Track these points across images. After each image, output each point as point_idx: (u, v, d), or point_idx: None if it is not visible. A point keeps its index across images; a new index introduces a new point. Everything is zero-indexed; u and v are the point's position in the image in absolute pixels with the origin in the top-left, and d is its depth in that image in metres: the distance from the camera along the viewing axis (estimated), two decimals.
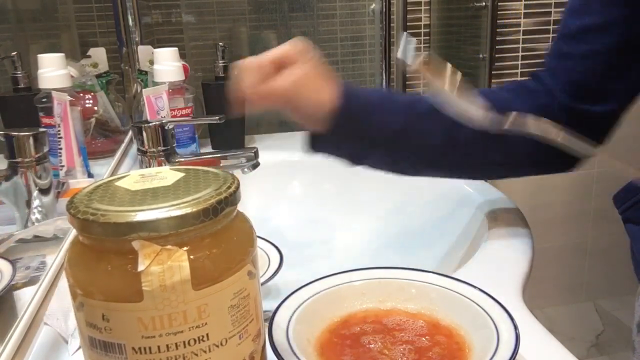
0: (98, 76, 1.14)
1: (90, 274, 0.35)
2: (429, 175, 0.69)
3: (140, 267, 0.33)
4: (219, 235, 0.36)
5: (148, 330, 0.34)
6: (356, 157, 0.63)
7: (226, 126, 0.89)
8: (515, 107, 0.60)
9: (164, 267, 0.34)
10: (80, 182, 0.88)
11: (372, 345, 0.48)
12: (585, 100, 0.63)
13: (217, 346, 0.36)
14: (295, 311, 0.50)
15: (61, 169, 0.87)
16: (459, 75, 0.54)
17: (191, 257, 0.34)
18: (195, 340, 0.35)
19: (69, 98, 0.86)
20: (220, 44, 1.21)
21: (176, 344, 0.35)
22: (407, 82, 1.58)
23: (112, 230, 0.33)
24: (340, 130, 0.59)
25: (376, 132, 0.60)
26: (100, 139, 1.09)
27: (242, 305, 0.37)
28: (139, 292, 0.33)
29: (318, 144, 0.62)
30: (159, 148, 0.79)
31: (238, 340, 0.37)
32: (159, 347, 0.35)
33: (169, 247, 0.34)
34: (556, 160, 0.67)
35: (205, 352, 0.36)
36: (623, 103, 0.65)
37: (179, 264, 0.34)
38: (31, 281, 0.62)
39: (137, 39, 1.30)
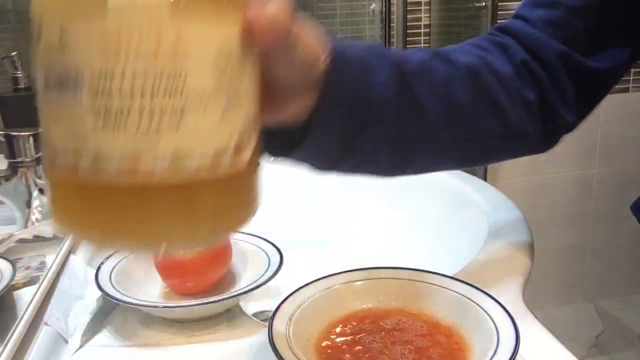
0: None
1: None
2: (427, 164, 0.58)
3: None
4: None
5: (111, 52, 0.28)
6: (346, 145, 0.48)
7: None
8: (500, 66, 0.55)
9: None
10: None
11: (372, 345, 0.48)
12: (581, 52, 0.58)
13: (195, 98, 0.29)
14: (295, 311, 0.50)
15: None
16: None
17: None
18: (169, 77, 0.28)
19: None
20: None
21: (145, 72, 0.28)
22: None
23: None
24: (337, 92, 0.45)
25: (376, 94, 0.48)
26: None
27: (234, 60, 0.31)
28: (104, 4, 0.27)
29: (297, 135, 0.47)
30: None
31: (224, 100, 0.30)
32: (123, 75, 0.28)
33: None
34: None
35: (180, 96, 0.29)
36: (620, 61, 0.59)
37: None
38: (31, 281, 0.62)
39: None
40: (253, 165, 0.34)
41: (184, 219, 0.30)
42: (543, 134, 0.59)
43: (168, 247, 0.31)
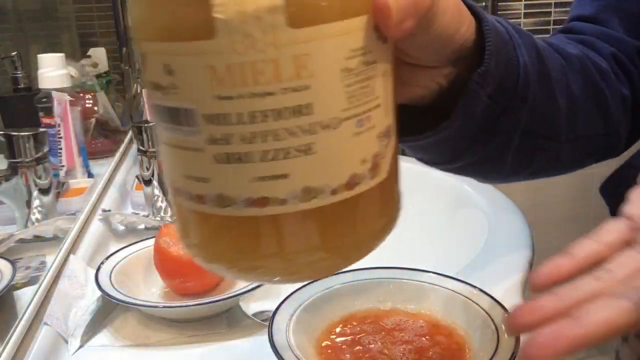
0: (98, 76, 1.14)
1: (146, 2, 0.26)
2: (544, 166, 0.51)
3: None
4: None
5: (224, 86, 0.24)
6: (480, 131, 0.42)
7: None
8: (597, 59, 0.51)
9: None
10: (80, 182, 0.88)
11: (372, 345, 0.48)
12: None
13: (324, 128, 0.25)
14: (295, 311, 0.50)
15: (61, 169, 0.87)
16: None
17: None
18: (292, 112, 0.24)
19: (69, 98, 0.86)
20: None
21: (264, 112, 0.24)
22: None
23: None
24: (489, 63, 0.38)
25: (523, 72, 0.42)
26: (100, 139, 1.09)
27: (364, 74, 0.26)
28: (209, 24, 0.23)
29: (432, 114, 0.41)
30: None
31: (355, 128, 0.26)
32: (239, 115, 0.24)
33: None
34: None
35: (306, 133, 0.25)
36: None
37: None
38: (31, 281, 0.62)
39: None
40: (393, 168, 0.30)
41: (324, 244, 0.28)
42: (629, 133, 0.55)
43: (311, 273, 0.30)
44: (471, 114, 0.39)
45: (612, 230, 0.36)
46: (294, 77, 0.24)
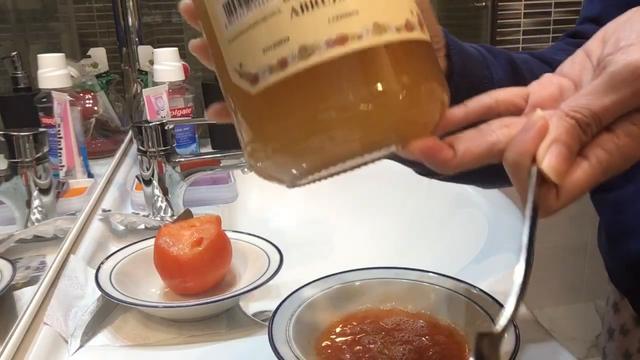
0: (98, 76, 1.14)
1: None
2: None
3: None
4: None
5: None
6: None
7: (226, 126, 0.89)
8: None
9: None
10: (80, 182, 0.88)
11: (372, 346, 0.48)
12: None
13: None
14: (295, 311, 0.50)
15: (61, 169, 0.87)
16: None
17: None
18: None
19: (69, 98, 0.86)
20: None
21: None
22: None
23: None
24: (461, 82, 0.44)
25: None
26: (100, 139, 1.09)
27: None
28: None
29: None
30: (159, 148, 0.79)
31: None
32: None
33: None
34: None
35: None
36: None
37: None
38: (31, 281, 0.62)
39: (137, 39, 1.30)
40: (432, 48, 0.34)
41: (405, 74, 0.30)
42: None
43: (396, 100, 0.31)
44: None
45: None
46: None
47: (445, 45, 0.42)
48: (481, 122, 0.37)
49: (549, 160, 0.31)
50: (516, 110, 0.38)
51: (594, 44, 0.37)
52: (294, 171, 0.32)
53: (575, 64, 0.38)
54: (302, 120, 0.30)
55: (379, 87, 0.29)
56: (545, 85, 0.38)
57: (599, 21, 0.56)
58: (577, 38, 0.58)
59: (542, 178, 0.31)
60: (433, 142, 0.33)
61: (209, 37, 0.33)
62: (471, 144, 0.34)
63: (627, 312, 0.70)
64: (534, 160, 0.31)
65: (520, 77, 0.47)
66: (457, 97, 0.40)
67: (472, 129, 0.36)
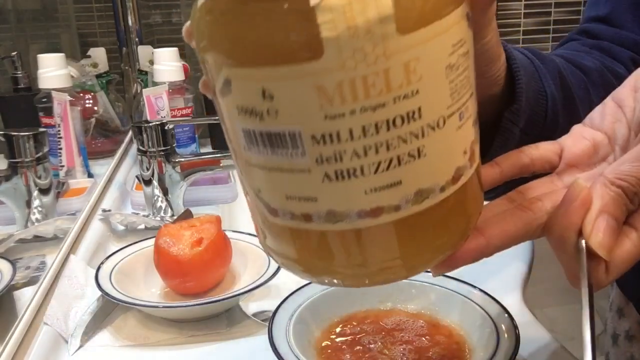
0: (98, 76, 1.14)
1: (236, 26, 0.23)
2: None
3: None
4: None
5: (334, 106, 0.23)
6: None
7: None
8: (616, 67, 0.51)
9: None
10: (80, 182, 0.88)
11: (372, 346, 0.48)
12: None
13: (433, 128, 0.25)
14: (295, 311, 0.50)
15: (61, 169, 0.87)
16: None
17: None
18: (402, 119, 0.24)
19: (69, 98, 0.86)
20: None
21: (376, 124, 0.23)
22: None
23: None
24: (520, 101, 0.41)
25: (550, 104, 0.44)
26: (100, 139, 1.09)
27: (462, 66, 0.26)
28: (315, 44, 0.22)
29: None
30: (159, 148, 0.79)
31: (458, 122, 0.26)
32: (350, 131, 0.23)
33: None
34: None
35: (416, 137, 0.24)
36: None
37: None
38: (31, 281, 0.62)
39: (137, 39, 1.30)
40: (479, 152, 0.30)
41: (432, 242, 0.28)
42: None
43: (420, 269, 0.29)
44: (506, 149, 0.39)
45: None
46: (404, 84, 0.23)
47: (506, 61, 0.39)
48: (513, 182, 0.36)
49: (597, 236, 0.29)
50: (550, 168, 0.37)
51: (624, 92, 0.36)
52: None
53: (607, 115, 0.37)
54: (325, 270, 0.28)
55: (410, 252, 0.27)
56: (577, 140, 0.37)
57: (608, 21, 0.56)
58: (590, 38, 0.57)
59: (590, 252, 0.29)
60: (465, 253, 0.31)
61: (225, 130, 0.28)
62: (506, 225, 0.32)
63: (632, 317, 0.69)
64: (580, 233, 0.29)
65: (567, 88, 0.45)
66: (517, 115, 0.39)
67: (503, 200, 0.34)
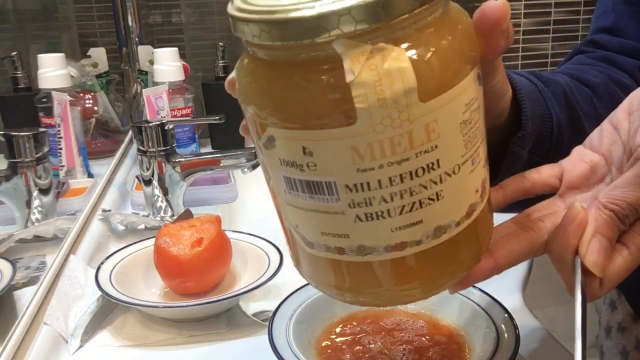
0: (98, 76, 1.14)
1: (282, 95, 0.27)
2: None
3: (349, 77, 0.25)
4: (440, 23, 0.27)
5: (365, 161, 0.27)
6: None
7: (226, 126, 0.89)
8: (623, 79, 0.53)
9: (380, 74, 0.25)
10: (80, 182, 0.88)
11: (372, 346, 0.48)
12: None
13: (449, 175, 0.29)
14: (295, 311, 0.50)
15: (61, 169, 0.87)
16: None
17: (413, 55, 0.26)
18: (423, 170, 0.28)
19: (69, 98, 0.86)
20: (220, 44, 1.21)
21: (401, 175, 0.27)
22: None
23: (305, 29, 0.25)
24: (526, 127, 0.42)
25: (556, 125, 0.46)
26: (100, 139, 1.09)
27: (473, 120, 0.29)
28: (350, 112, 0.26)
29: None
30: (159, 148, 0.79)
31: (471, 167, 0.30)
32: (379, 182, 0.27)
33: (381, 45, 0.25)
34: None
35: (435, 183, 0.28)
36: None
37: (398, 67, 0.25)
38: (31, 281, 0.62)
39: (137, 39, 1.30)
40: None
41: (449, 268, 0.32)
42: None
43: (436, 292, 0.33)
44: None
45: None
46: (425, 141, 0.27)
47: (512, 88, 0.41)
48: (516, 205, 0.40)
49: (591, 257, 0.33)
50: (551, 190, 0.40)
51: (620, 115, 0.39)
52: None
53: (604, 137, 0.40)
54: (354, 293, 0.32)
55: (429, 278, 0.31)
56: (576, 163, 0.40)
57: (613, 31, 0.58)
58: (595, 48, 0.59)
59: (585, 270, 0.33)
60: (477, 273, 0.35)
61: (266, 173, 0.32)
62: (512, 246, 0.36)
63: (624, 309, 0.70)
64: (576, 251, 0.33)
65: (572, 107, 0.48)
66: (524, 140, 0.42)
67: (510, 223, 0.38)
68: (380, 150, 0.27)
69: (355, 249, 0.30)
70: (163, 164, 0.80)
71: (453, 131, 0.28)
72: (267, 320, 0.49)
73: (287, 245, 0.34)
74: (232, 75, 0.31)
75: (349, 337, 0.49)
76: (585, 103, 0.49)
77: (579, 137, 0.45)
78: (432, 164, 0.28)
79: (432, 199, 0.29)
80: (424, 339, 0.48)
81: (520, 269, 0.65)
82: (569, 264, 0.34)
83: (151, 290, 0.63)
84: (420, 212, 0.29)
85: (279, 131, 0.28)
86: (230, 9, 0.28)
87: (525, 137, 0.42)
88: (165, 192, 0.81)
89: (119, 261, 0.63)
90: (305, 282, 0.53)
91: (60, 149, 0.86)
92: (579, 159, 0.40)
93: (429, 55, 0.26)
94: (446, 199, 0.29)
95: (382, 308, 0.52)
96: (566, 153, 0.44)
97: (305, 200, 0.29)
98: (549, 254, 0.35)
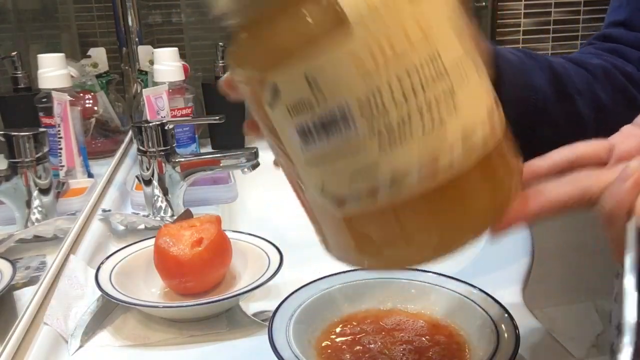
0: (98, 76, 1.14)
1: (270, 35, 0.28)
2: None
3: None
4: None
5: (368, 65, 0.27)
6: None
7: (226, 126, 0.89)
8: (625, 66, 0.54)
9: None
10: (80, 182, 0.88)
11: (372, 346, 0.48)
12: None
13: (454, 68, 0.29)
14: (295, 311, 0.50)
15: (61, 169, 0.87)
16: None
17: None
18: (427, 62, 0.28)
19: (69, 98, 0.86)
20: (220, 44, 1.21)
21: (407, 71, 0.27)
22: None
23: None
24: (502, 93, 0.40)
25: (540, 96, 0.48)
26: (100, 139, 1.09)
27: (459, 20, 0.30)
28: (341, 22, 0.26)
29: None
30: (159, 148, 0.79)
31: (473, 67, 0.30)
32: (389, 84, 0.27)
33: None
34: None
35: (442, 75, 0.28)
36: None
37: None
38: (31, 281, 0.62)
39: (137, 39, 1.30)
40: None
41: (494, 190, 0.31)
42: None
43: (490, 222, 0.32)
44: None
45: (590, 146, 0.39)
46: (418, 34, 0.27)
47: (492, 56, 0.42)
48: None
49: None
50: (600, 164, 0.38)
51: None
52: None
53: None
54: (392, 252, 0.31)
55: (475, 209, 0.30)
56: (627, 137, 0.39)
57: (627, 25, 0.58)
58: (608, 42, 0.59)
59: (639, 231, 0.31)
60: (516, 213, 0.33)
61: (278, 149, 0.31)
62: (562, 188, 0.34)
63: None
64: (630, 211, 0.31)
65: (561, 82, 0.47)
66: (506, 109, 0.40)
67: (556, 178, 0.36)
68: (380, 51, 0.26)
69: (388, 181, 0.28)
70: (163, 164, 0.80)
71: (443, 24, 0.28)
72: (267, 320, 0.49)
73: (314, 228, 0.33)
74: (227, 75, 0.31)
75: (349, 337, 0.49)
76: (581, 83, 0.49)
77: (570, 115, 0.45)
78: (433, 54, 0.27)
79: (446, 94, 0.28)
80: (424, 339, 0.48)
81: (520, 268, 0.65)
82: (620, 224, 0.32)
83: (151, 290, 0.63)
84: (439, 113, 0.28)
85: (279, 74, 0.28)
86: None
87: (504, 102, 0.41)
88: (165, 192, 0.81)
89: (119, 261, 0.63)
90: (306, 282, 0.53)
91: (60, 149, 0.86)
92: (629, 134, 0.39)
93: None
94: (459, 96, 0.28)
95: (382, 308, 0.52)
96: (555, 129, 0.44)
97: (325, 145, 0.28)
98: (600, 210, 0.33)
